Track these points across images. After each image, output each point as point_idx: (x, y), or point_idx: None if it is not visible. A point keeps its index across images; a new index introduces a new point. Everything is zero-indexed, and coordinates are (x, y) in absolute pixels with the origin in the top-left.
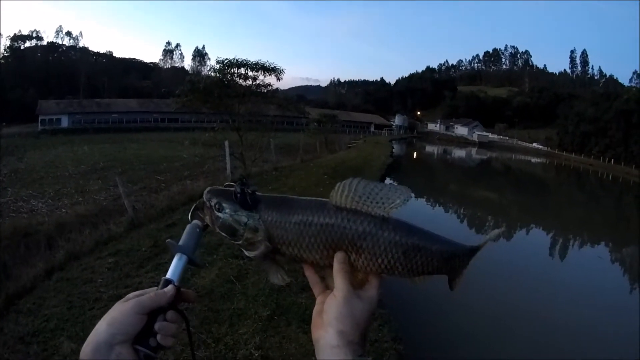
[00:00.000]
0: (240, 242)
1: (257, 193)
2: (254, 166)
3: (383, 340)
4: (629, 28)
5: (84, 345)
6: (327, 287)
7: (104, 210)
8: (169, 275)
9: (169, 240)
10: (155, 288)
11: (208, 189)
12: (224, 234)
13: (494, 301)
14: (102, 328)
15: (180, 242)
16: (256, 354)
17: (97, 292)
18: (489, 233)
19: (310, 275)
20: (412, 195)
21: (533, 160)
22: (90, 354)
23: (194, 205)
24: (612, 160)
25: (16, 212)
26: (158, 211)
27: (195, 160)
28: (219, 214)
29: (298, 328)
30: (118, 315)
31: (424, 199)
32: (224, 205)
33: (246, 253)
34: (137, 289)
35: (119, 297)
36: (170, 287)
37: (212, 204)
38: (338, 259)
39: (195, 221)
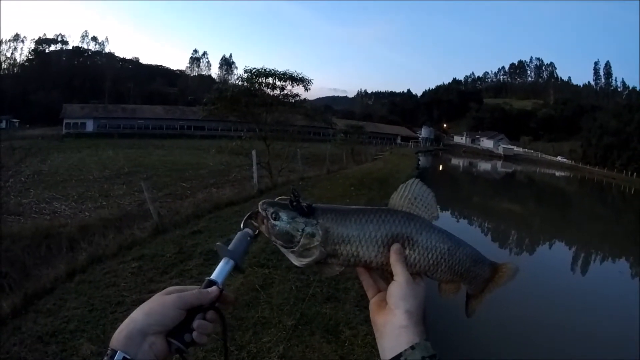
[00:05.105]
0: (295, 249)
1: (312, 204)
2: (280, 176)
3: None
4: None
5: (117, 332)
6: (380, 290)
7: (128, 215)
8: (213, 276)
9: (218, 243)
10: (198, 286)
11: (263, 200)
12: (279, 241)
13: (515, 316)
14: (138, 316)
15: (230, 247)
16: None
17: (119, 295)
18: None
19: (365, 278)
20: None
21: (557, 173)
22: (123, 340)
23: (247, 214)
24: (635, 173)
25: (38, 214)
26: (183, 218)
27: (221, 168)
28: (276, 222)
29: (322, 338)
30: (157, 306)
31: (449, 212)
32: (281, 213)
33: (297, 261)
34: None
35: (141, 302)
36: (214, 287)
37: (269, 213)
38: (395, 249)
39: (246, 229)
